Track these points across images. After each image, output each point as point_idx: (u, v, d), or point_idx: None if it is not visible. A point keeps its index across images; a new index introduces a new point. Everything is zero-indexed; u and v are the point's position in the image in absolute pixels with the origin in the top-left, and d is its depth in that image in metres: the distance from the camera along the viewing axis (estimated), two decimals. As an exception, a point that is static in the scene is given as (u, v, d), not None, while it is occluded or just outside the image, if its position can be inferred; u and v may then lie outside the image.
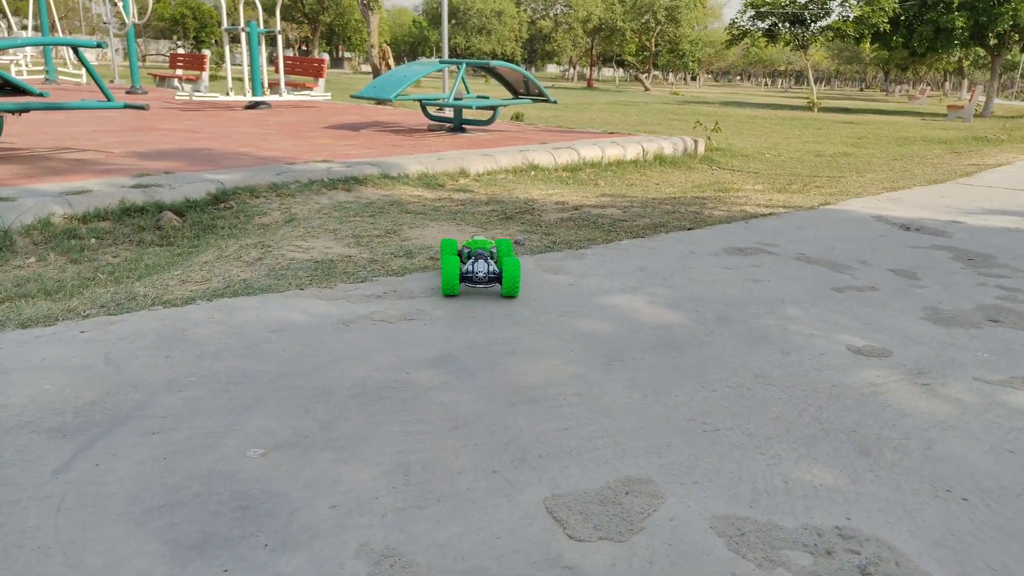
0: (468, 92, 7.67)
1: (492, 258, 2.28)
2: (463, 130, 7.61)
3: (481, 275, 2.17)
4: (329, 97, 10.06)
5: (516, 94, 8.03)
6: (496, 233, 3.20)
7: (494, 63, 7.38)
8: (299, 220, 3.13)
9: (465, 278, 2.20)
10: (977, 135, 11.73)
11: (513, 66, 7.57)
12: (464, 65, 7.13)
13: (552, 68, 59.95)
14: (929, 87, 33.51)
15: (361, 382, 1.60)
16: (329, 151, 5.21)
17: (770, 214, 3.78)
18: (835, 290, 2.40)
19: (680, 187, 5.65)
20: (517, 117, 9.63)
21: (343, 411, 1.47)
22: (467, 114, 7.54)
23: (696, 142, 8.00)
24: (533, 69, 54.14)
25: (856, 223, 3.47)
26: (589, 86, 30.97)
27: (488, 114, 7.69)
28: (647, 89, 28.79)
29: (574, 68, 46.88)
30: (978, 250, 3.00)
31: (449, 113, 7.52)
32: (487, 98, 8.27)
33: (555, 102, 8.02)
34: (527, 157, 6.24)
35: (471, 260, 2.22)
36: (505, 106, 7.80)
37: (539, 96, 7.97)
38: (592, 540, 1.11)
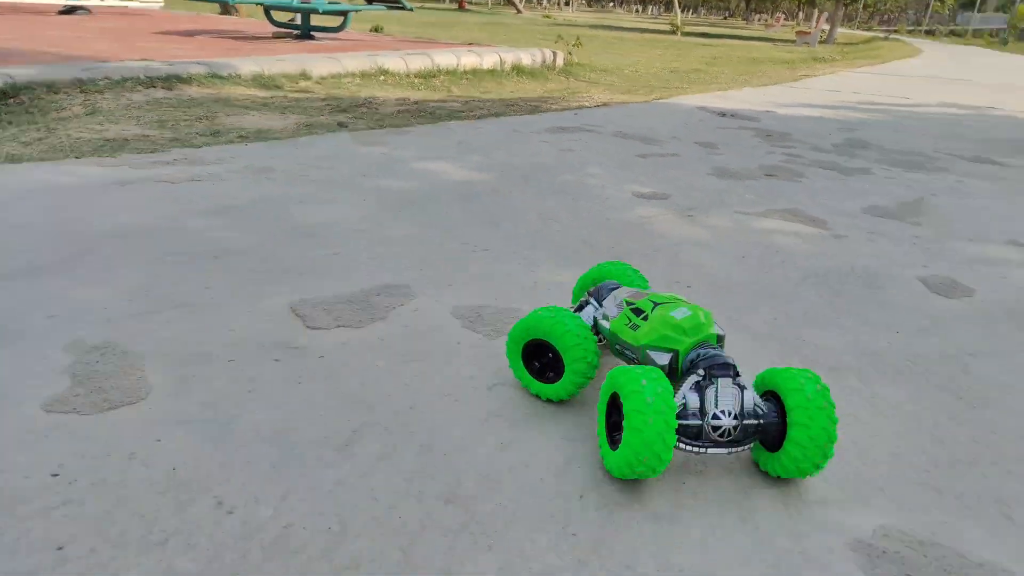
0: (317, -8, 7.24)
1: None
2: (311, 37, 7.23)
3: None
4: (161, 4, 9.23)
5: (370, 1, 7.69)
6: (322, 120, 3.11)
7: (353, -28, 6.99)
8: (103, 112, 2.89)
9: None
10: (817, 57, 12.48)
11: (368, -30, 7.23)
12: (312, -33, 6.73)
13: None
14: (784, 16, 35.33)
15: (122, 227, 1.53)
16: (152, 54, 4.80)
17: (604, 105, 3.89)
18: (640, 156, 2.53)
19: (532, 93, 5.67)
20: (376, 29, 9.24)
21: (93, 247, 1.40)
22: (316, 20, 7.15)
23: (555, 54, 8.00)
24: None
25: (681, 112, 3.64)
26: (461, 7, 30.09)
27: (339, 20, 7.34)
28: (519, 12, 28.47)
29: (442, -14, 45.53)
30: (778, 129, 3.24)
31: (297, 20, 7.11)
32: (338, 2, 7.86)
33: (411, 9, 7.75)
34: (376, 62, 6.01)
35: None
36: (357, 11, 7.46)
37: (395, 3, 7.66)
38: (330, 328, 1.14)
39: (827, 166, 2.56)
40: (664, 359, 0.89)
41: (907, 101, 4.74)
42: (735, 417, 0.83)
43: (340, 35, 7.60)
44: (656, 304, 0.94)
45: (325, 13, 6.87)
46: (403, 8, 7.47)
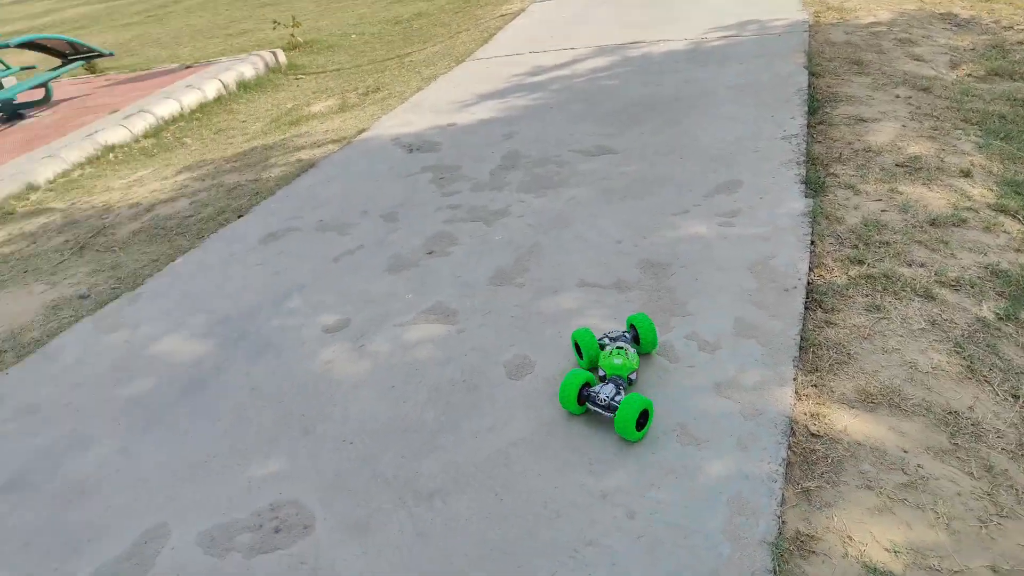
0: (8, 68, 6.82)
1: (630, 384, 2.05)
2: (21, 116, 6.89)
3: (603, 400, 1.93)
4: None
5: (66, 59, 7.33)
6: (65, 284, 3.40)
7: (36, 37, 6.65)
8: None
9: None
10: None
11: (55, 36, 6.90)
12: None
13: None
14: None
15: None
16: None
17: (320, 159, 4.34)
18: (333, 261, 3.10)
19: (261, 125, 5.91)
20: (91, 69, 8.70)
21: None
22: (21, 97, 6.79)
23: (276, 55, 8.06)
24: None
25: (377, 156, 4.17)
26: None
27: (42, 92, 7.02)
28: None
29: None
30: (452, 161, 3.89)
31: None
32: (34, 68, 7.43)
33: (111, 54, 7.47)
34: (98, 140, 5.96)
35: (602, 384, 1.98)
36: (57, 77, 7.12)
37: (91, 54, 7.36)
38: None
39: (477, 214, 3.27)
40: (601, 373, 2.04)
41: (571, 52, 5.49)
42: (608, 399, 1.91)
43: (49, 105, 7.24)
44: (614, 353, 2.04)
45: (18, 103, 6.57)
46: (101, 56, 7.20)
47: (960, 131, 3.64)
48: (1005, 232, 2.78)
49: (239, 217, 3.80)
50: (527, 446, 1.93)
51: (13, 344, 2.97)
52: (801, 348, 2.15)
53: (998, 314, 2.32)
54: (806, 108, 3.72)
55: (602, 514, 1.70)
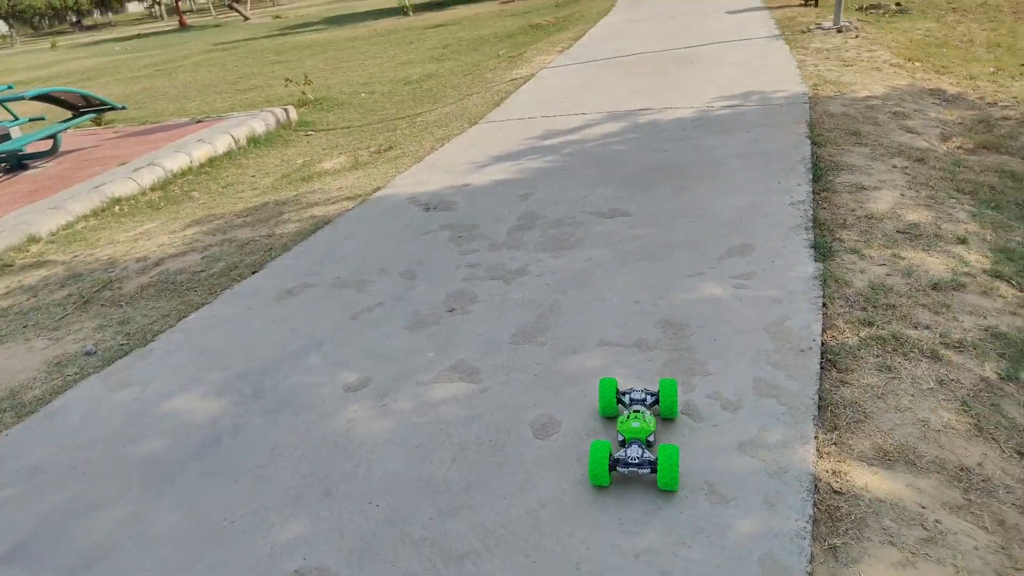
0: (16, 119, 6.96)
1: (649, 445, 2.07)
2: (24, 167, 7.00)
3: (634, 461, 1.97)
4: None
5: (78, 111, 7.52)
6: (69, 340, 3.41)
7: (51, 90, 6.82)
8: None
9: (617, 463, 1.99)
10: (533, 22, 13.49)
11: (68, 88, 7.08)
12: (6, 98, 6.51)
13: (135, 6, 52.51)
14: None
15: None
16: None
17: (336, 215, 4.44)
18: (352, 318, 3.16)
19: (272, 180, 6.03)
20: (98, 122, 8.92)
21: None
22: (29, 148, 6.91)
23: (287, 111, 8.29)
24: (110, 13, 47.04)
25: (393, 215, 4.28)
26: (182, 24, 28.15)
27: (50, 143, 7.16)
28: (247, 19, 27.17)
29: (159, 3, 41.80)
30: (468, 220, 4.00)
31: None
32: (43, 119, 7.60)
33: (123, 108, 7.67)
34: (104, 193, 6.04)
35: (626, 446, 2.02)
36: (66, 129, 7.28)
37: (103, 107, 7.55)
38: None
39: (496, 273, 3.35)
40: (620, 438, 2.04)
41: (582, 116, 5.69)
42: (637, 459, 1.94)
43: (56, 156, 7.37)
44: (632, 417, 2.08)
45: (24, 154, 6.68)
46: (113, 109, 7.38)
47: (954, 200, 3.79)
48: (1001, 296, 2.88)
49: (253, 273, 3.87)
50: (556, 506, 1.95)
51: (13, 403, 2.91)
52: (819, 407, 2.20)
53: (1000, 375, 2.40)
54: (811, 176, 3.86)
55: (635, 574, 1.71)
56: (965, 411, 2.21)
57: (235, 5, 27.88)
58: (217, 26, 27.13)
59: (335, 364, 2.81)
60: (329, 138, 7.44)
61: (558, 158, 4.78)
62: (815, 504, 1.85)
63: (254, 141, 7.47)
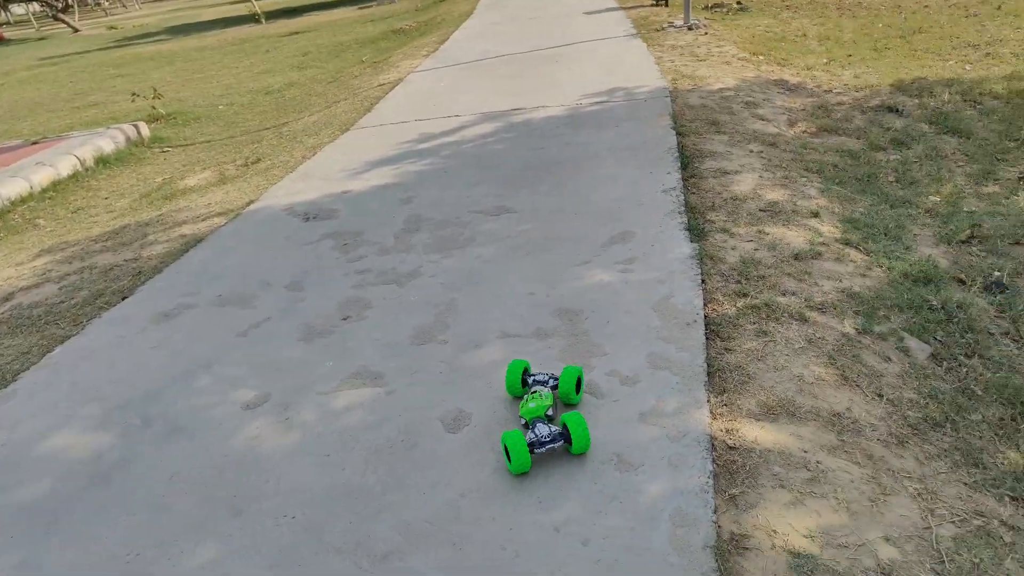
0: None
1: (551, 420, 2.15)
2: None
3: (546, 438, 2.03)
4: None
5: None
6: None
7: None
8: None
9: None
10: (395, 27, 13.40)
11: None
12: None
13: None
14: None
15: None
16: None
17: (208, 233, 4.22)
18: (239, 336, 3.03)
19: (129, 201, 5.65)
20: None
21: None
22: None
23: (137, 127, 7.78)
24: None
25: (271, 227, 4.13)
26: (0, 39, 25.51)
27: None
28: (76, 30, 24.96)
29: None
30: (354, 228, 3.93)
31: None
32: None
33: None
34: (-72, 232, 5.41)
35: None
36: None
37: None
38: None
39: (388, 277, 3.32)
40: (523, 422, 2.12)
41: (456, 118, 5.74)
42: (548, 436, 2.01)
43: None
44: (528, 399, 2.17)
45: None
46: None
47: (804, 179, 4.18)
48: (852, 261, 3.22)
49: (123, 299, 3.62)
50: (476, 495, 1.98)
51: None
52: (709, 374, 2.37)
53: (857, 329, 2.69)
54: (678, 164, 4.12)
55: (558, 546, 1.78)
56: (832, 364, 2.46)
57: (61, 16, 25.51)
58: (42, 39, 24.78)
59: (228, 383, 2.69)
60: (189, 153, 7.06)
61: (437, 160, 4.81)
62: (714, 461, 1.99)
63: (103, 161, 6.95)
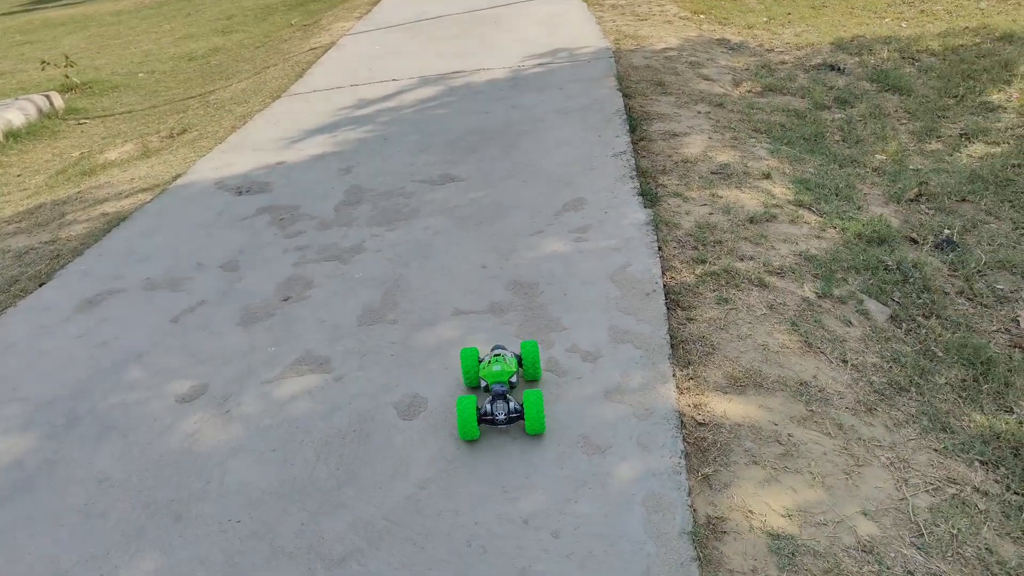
0: None
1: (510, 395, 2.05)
2: None
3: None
4: None
5: None
6: None
7: None
8: None
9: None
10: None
11: None
12: None
13: None
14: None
15: None
16: None
17: (132, 210, 3.91)
18: (172, 322, 2.81)
19: (44, 178, 5.24)
20: None
21: None
22: None
23: (49, 98, 7.22)
24: None
25: (201, 203, 3.85)
26: None
27: None
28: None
29: None
30: (291, 201, 3.70)
31: None
32: None
33: None
34: None
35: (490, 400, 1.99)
36: None
37: None
38: None
39: (330, 254, 3.13)
40: (484, 384, 2.05)
41: (394, 83, 5.48)
42: (504, 415, 1.93)
43: None
44: (493, 360, 2.06)
45: None
46: None
47: (753, 139, 4.14)
48: (806, 223, 3.20)
49: (41, 285, 3.33)
50: (436, 486, 1.87)
51: None
52: (672, 346, 2.29)
53: (817, 293, 2.66)
54: (627, 127, 4.01)
55: (528, 540, 1.68)
56: (795, 331, 2.42)
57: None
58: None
59: (161, 375, 2.49)
60: (108, 125, 6.59)
61: (376, 127, 4.57)
62: (684, 439, 1.92)
63: (13, 135, 6.42)
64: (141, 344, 2.69)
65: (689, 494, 1.74)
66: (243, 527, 1.84)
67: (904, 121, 4.53)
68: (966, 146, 4.15)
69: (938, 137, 4.25)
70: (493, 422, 1.94)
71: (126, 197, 4.28)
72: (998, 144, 4.10)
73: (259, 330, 2.66)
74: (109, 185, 4.62)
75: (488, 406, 1.96)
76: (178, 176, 4.36)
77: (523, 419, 1.93)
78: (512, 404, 1.96)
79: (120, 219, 3.89)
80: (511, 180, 3.59)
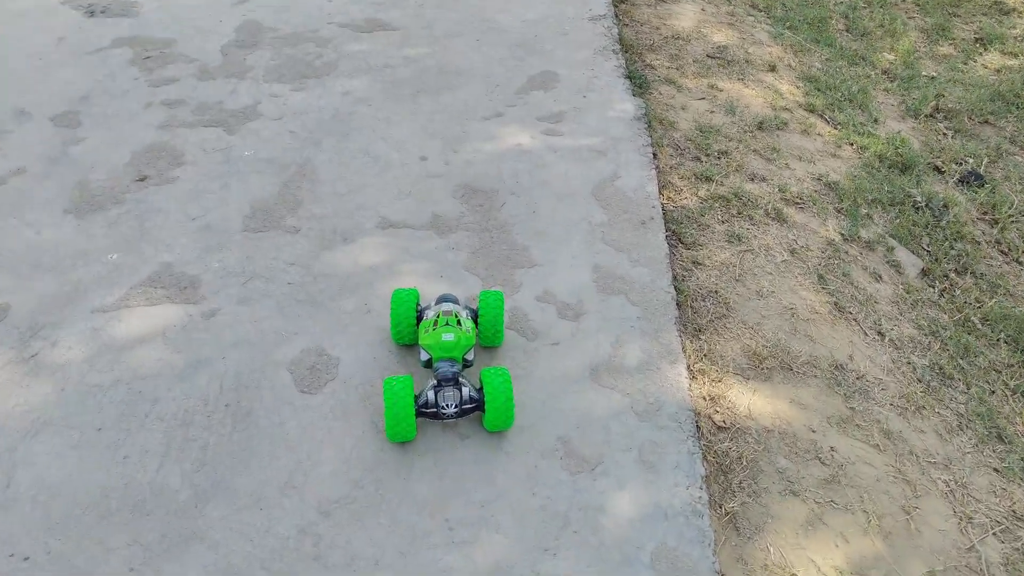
0: None
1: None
2: None
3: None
4: None
5: None
6: None
7: None
8: None
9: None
10: None
11: None
12: None
13: None
14: None
15: None
16: None
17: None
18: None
19: None
20: None
21: None
22: None
23: None
24: None
25: (37, 24, 2.80)
26: None
27: None
28: None
29: None
30: (162, 33, 2.73)
31: None
32: None
33: None
34: None
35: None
36: None
37: None
38: None
39: (211, 117, 2.28)
40: (425, 356, 1.41)
41: None
42: (456, 407, 1.31)
43: None
44: (442, 324, 1.39)
45: None
46: None
47: (752, 17, 3.44)
48: (819, 135, 2.63)
49: None
50: (345, 514, 1.26)
51: None
52: (678, 304, 1.71)
53: (843, 234, 2.13)
54: (609, -18, 3.18)
55: (484, 619, 1.13)
56: (823, 287, 1.89)
57: None
58: None
59: (-62, 285, 1.69)
60: None
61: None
62: (703, 455, 1.38)
63: None
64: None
65: (715, 551, 1.22)
66: (31, 565, 1.18)
67: (913, 16, 3.92)
68: (981, 54, 3.62)
69: (950, 40, 3.69)
70: (438, 416, 1.32)
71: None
72: (1015, 56, 3.59)
73: (98, 224, 1.86)
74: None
75: (431, 394, 1.34)
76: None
77: (481, 410, 1.31)
78: (466, 391, 1.35)
79: None
80: (461, 38, 2.75)
